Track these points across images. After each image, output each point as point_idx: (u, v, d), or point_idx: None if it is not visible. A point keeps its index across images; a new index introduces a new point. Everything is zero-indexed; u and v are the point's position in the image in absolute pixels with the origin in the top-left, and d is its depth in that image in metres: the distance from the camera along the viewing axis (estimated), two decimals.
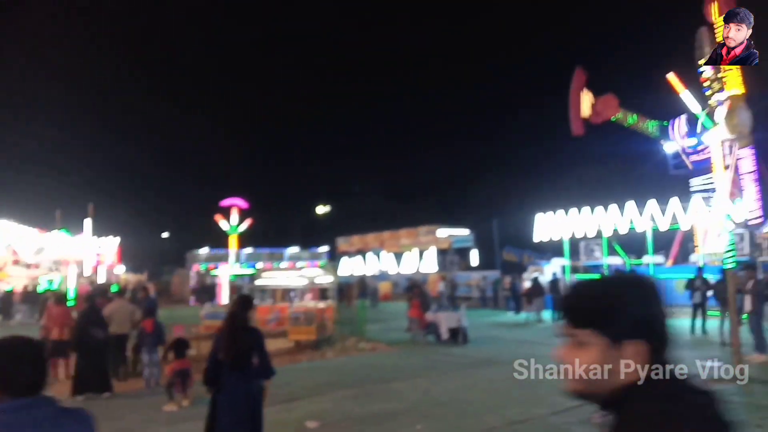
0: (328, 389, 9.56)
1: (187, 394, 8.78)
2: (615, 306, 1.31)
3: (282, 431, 7.27)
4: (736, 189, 25.38)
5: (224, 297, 20.32)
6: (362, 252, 42.74)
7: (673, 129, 24.42)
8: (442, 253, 38.55)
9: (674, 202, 20.68)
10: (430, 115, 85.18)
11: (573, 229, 23.75)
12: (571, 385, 1.35)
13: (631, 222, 21.67)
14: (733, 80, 26.40)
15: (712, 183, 20.55)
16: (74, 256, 30.77)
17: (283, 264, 23.04)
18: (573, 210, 23.73)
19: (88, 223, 33.05)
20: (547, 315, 20.56)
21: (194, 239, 36.12)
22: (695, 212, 20.24)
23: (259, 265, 22.27)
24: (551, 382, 9.18)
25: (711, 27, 27.39)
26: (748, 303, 11.56)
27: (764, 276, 15.63)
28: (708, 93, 22.76)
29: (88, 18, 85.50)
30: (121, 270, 40.62)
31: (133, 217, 55.16)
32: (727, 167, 25.98)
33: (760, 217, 26.13)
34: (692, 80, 25.79)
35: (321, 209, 56.22)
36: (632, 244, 23.67)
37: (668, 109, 24.44)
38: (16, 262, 30.84)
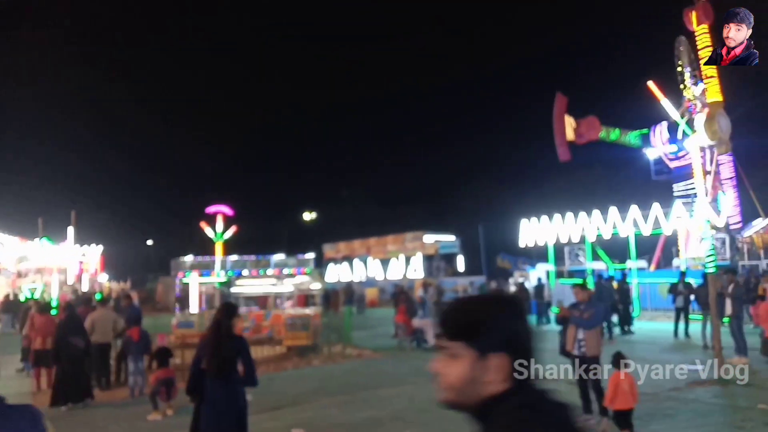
0: (313, 397, 9.52)
1: (171, 403, 8.70)
2: (484, 321, 1.41)
3: None
4: (716, 194, 25.79)
5: (194, 305, 20.04)
6: (349, 258, 42.68)
7: (654, 135, 24.77)
8: (428, 259, 38.63)
9: (656, 207, 20.93)
10: (417, 122, 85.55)
11: (557, 235, 23.94)
12: (443, 395, 1.42)
13: (615, 227, 21.90)
14: (714, 88, 26.92)
15: (693, 188, 20.82)
16: (57, 265, 30.36)
17: (270, 271, 22.91)
18: (557, 216, 23.93)
19: (70, 231, 32.64)
20: (531, 320, 20.65)
21: (179, 247, 35.93)
22: (677, 217, 20.50)
23: (245, 272, 22.17)
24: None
25: (690, 35, 27.95)
26: (728, 306, 11.73)
27: (743, 279, 15.90)
28: (687, 100, 23.15)
29: (70, 25, 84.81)
30: (104, 278, 40.17)
31: (117, 225, 54.71)
32: (707, 173, 26.46)
33: (739, 221, 26.61)
34: (673, 88, 26.23)
35: (307, 216, 56.13)
36: (616, 249, 23.91)
37: (652, 116, 24.81)
38: None
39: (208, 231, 23.09)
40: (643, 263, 24.16)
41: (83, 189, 57.23)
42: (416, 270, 37.15)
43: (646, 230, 21.23)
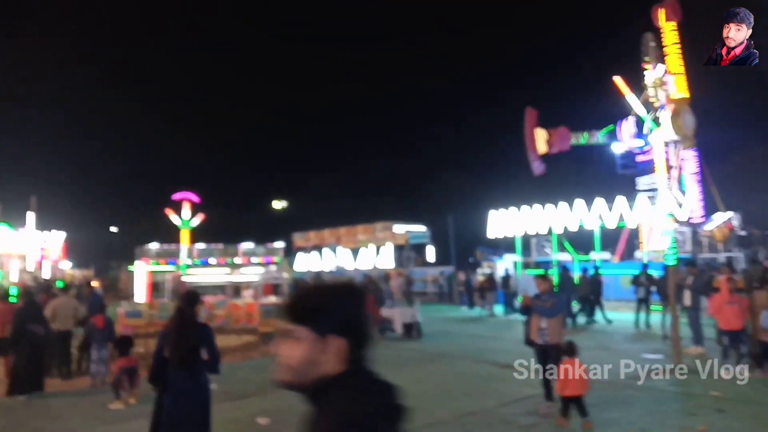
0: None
1: (134, 392, 8.59)
2: (325, 306, 1.52)
3: (232, 428, 7.21)
4: (679, 188, 26.44)
5: (141, 295, 19.69)
6: (319, 248, 42.49)
7: (621, 130, 25.25)
8: (398, 249, 38.73)
9: (621, 200, 21.38)
10: (387, 113, 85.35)
11: (525, 227, 24.30)
12: (282, 376, 1.50)
13: (581, 219, 22.31)
14: (680, 84, 27.55)
15: (655, 183, 21.31)
16: (17, 251, 29.54)
17: (238, 259, 22.65)
18: (525, 207, 24.27)
19: (31, 216, 31.75)
20: (499, 310, 20.97)
21: (144, 234, 35.20)
22: (641, 210, 20.99)
23: (212, 260, 21.88)
24: (500, 375, 9.42)
25: (658, 32, 28.50)
26: (687, 298, 12.07)
27: (703, 272, 16.36)
28: (652, 96, 23.55)
29: (32, 8, 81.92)
30: (66, 265, 39.21)
31: (80, 211, 53.24)
32: (671, 168, 27.12)
33: (702, 215, 27.38)
34: (639, 83, 26.72)
35: (277, 204, 55.67)
36: (581, 240, 24.38)
37: (619, 110, 25.26)
38: None
39: (174, 218, 22.68)
40: (607, 255, 24.70)
41: (44, 173, 55.50)
42: (386, 260, 37.23)
43: (611, 223, 21.69)
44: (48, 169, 57.94)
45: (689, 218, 24.70)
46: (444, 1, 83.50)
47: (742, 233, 24.37)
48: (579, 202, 22.44)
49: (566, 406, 6.80)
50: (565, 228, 23.01)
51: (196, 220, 22.52)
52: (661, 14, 28.35)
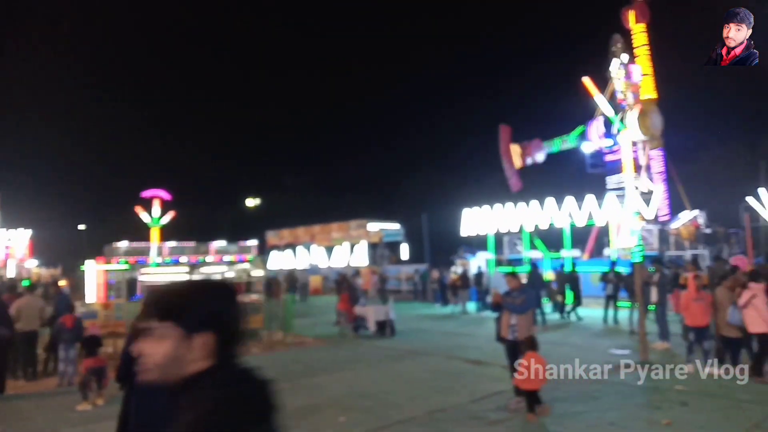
0: None
1: (102, 392, 8.45)
2: (189, 302, 1.51)
3: None
4: (647, 187, 27.04)
5: (93, 295, 19.28)
6: (293, 246, 42.28)
7: (590, 130, 25.73)
8: (372, 246, 38.75)
9: (590, 199, 21.74)
10: (362, 111, 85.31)
11: (497, 224, 24.55)
12: (147, 374, 1.50)
13: (551, 218, 22.64)
14: (647, 85, 28.17)
15: (623, 182, 21.80)
16: None
17: (210, 258, 22.39)
18: (498, 206, 24.52)
19: None
20: (471, 307, 21.16)
21: (113, 232, 34.55)
22: (609, 209, 21.38)
23: (183, 259, 21.58)
24: (471, 371, 9.52)
25: (627, 33, 29.06)
26: (654, 294, 12.37)
27: (668, 268, 16.76)
28: (620, 96, 24.04)
29: None
30: (32, 264, 38.30)
31: (47, 208, 51.94)
32: (638, 167, 27.76)
33: (668, 213, 28.06)
34: (609, 85, 27.21)
35: (251, 202, 55.16)
36: (552, 238, 24.74)
37: (589, 111, 25.74)
38: None
39: (144, 216, 22.32)
40: (577, 252, 25.11)
41: (10, 169, 54.04)
42: (360, 258, 37.23)
43: (581, 221, 22.05)
44: (12, 165, 56.45)
45: (656, 216, 25.29)
46: (418, 2, 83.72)
47: (708, 231, 25.03)
48: (550, 201, 22.77)
49: (535, 400, 6.94)
50: (536, 226, 23.33)
51: (167, 218, 22.21)
52: (630, 16, 29.00)
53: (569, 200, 22.21)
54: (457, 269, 23.92)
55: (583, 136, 24.44)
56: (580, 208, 21.86)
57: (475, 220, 25.37)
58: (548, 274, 21.29)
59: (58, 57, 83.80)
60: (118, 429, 5.07)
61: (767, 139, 39.79)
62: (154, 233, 22.51)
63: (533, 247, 25.14)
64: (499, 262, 25.57)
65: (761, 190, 22.65)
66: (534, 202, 23.26)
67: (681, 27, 46.55)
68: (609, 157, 26.44)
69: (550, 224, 22.79)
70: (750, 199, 22.97)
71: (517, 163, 24.32)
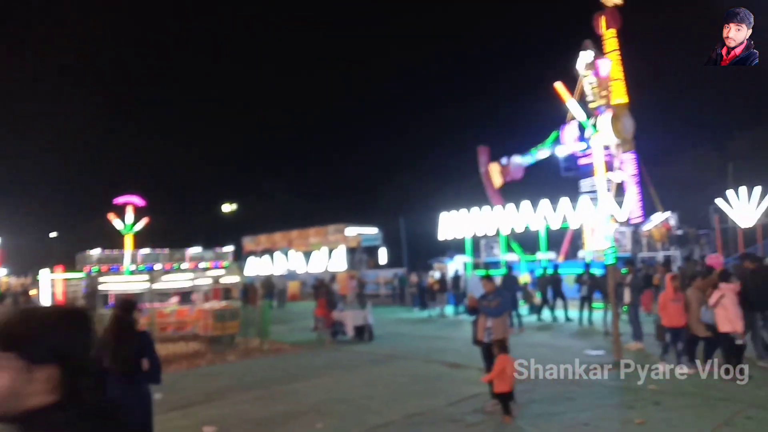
0: (227, 393, 9.33)
1: None
2: (34, 332, 1.42)
3: None
4: (619, 190, 27.50)
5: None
6: (270, 251, 41.95)
7: (564, 134, 26.11)
8: (351, 251, 38.68)
9: (564, 202, 22.02)
10: (339, 115, 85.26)
11: (474, 228, 24.72)
12: None
13: (527, 221, 22.87)
14: (618, 90, 28.70)
15: (596, 186, 22.07)
16: None
17: (185, 265, 22.12)
18: (475, 209, 24.70)
19: None
20: (449, 310, 21.25)
21: (86, 240, 33.95)
22: (583, 212, 21.67)
23: (158, 266, 21.29)
24: (449, 374, 9.54)
25: (599, 39, 29.58)
26: (627, 295, 12.55)
27: (641, 269, 17.05)
28: (592, 101, 24.42)
29: None
30: (2, 273, 37.42)
31: (17, 215, 50.81)
32: (611, 170, 28.24)
33: (640, 216, 28.56)
34: (581, 89, 27.66)
35: (227, 207, 54.63)
36: (528, 241, 25.00)
37: (562, 116, 26.11)
38: None
39: (117, 223, 21.96)
40: (552, 255, 25.40)
41: None
42: (338, 262, 37.13)
43: (555, 224, 22.31)
44: None
45: (628, 218, 25.73)
46: (396, 7, 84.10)
47: (679, 232, 25.53)
48: (525, 204, 23.00)
49: (506, 402, 7.02)
50: (512, 229, 23.55)
51: (140, 225, 21.90)
52: (602, 22, 29.54)
53: (544, 203, 22.48)
54: (435, 273, 24.00)
55: (558, 140, 24.82)
56: (554, 211, 22.13)
57: (453, 223, 25.51)
58: (524, 277, 21.50)
59: (26, 60, 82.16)
60: None
61: (736, 142, 40.91)
62: (128, 240, 22.18)
63: (510, 250, 25.37)
64: (476, 265, 25.74)
65: (730, 193, 23.22)
66: (510, 206, 23.49)
67: (652, 32, 47.56)
68: (582, 161, 26.87)
69: (526, 227, 23.03)
70: (719, 201, 23.53)
71: (497, 182, 24.64)
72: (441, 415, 7.51)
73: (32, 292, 20.38)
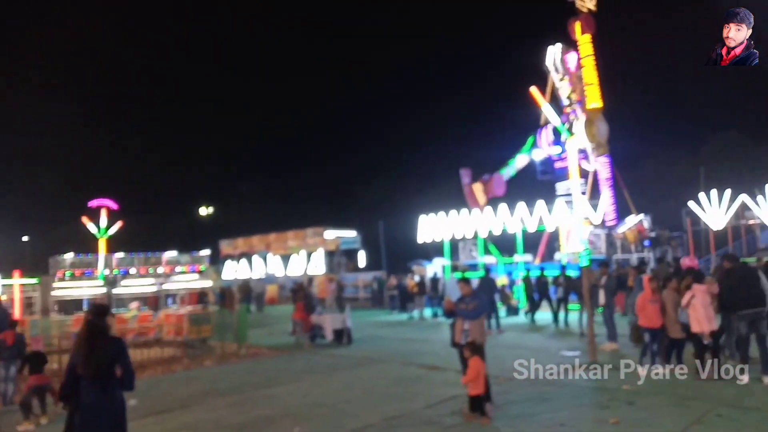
0: (203, 398, 9.24)
1: (45, 411, 8.11)
2: None
3: None
4: (593, 192, 27.92)
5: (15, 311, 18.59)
6: (247, 255, 41.62)
7: (540, 138, 26.44)
8: (329, 254, 38.58)
9: (541, 205, 22.26)
10: (317, 118, 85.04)
11: (453, 231, 24.85)
12: None
13: (504, 223, 23.07)
14: (593, 94, 29.14)
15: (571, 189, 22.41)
16: None
17: (160, 269, 21.82)
18: (453, 212, 24.83)
19: None
20: (428, 313, 21.31)
21: (58, 243, 33.27)
22: (559, 214, 21.93)
23: (132, 270, 20.98)
24: (427, 377, 9.58)
25: (574, 44, 29.98)
26: (601, 297, 12.73)
27: (614, 271, 17.33)
28: (566, 106, 24.75)
29: None
30: None
31: None
32: (585, 174, 28.67)
33: (614, 218, 29.02)
34: (556, 94, 28.01)
35: (204, 210, 54.08)
36: (505, 243, 25.22)
37: (537, 120, 26.42)
38: None
39: (91, 226, 21.60)
40: (529, 257, 25.66)
41: None
42: (317, 266, 36.99)
43: (532, 227, 22.55)
44: None
45: (603, 221, 26.12)
46: (376, 11, 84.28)
47: (652, 234, 26.00)
48: (502, 207, 23.21)
49: (479, 404, 7.10)
50: (490, 232, 23.73)
51: (114, 228, 21.56)
52: (576, 27, 29.98)
53: (521, 206, 22.69)
54: (414, 277, 24.07)
55: (535, 145, 25.15)
56: (531, 214, 22.36)
57: (431, 226, 25.62)
58: (502, 279, 21.66)
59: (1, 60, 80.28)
60: None
61: (707, 145, 41.86)
62: (102, 244, 21.81)
63: (487, 252, 25.55)
64: (455, 268, 25.88)
65: (701, 196, 23.72)
66: (488, 209, 23.67)
67: (627, 37, 48.36)
68: (558, 165, 27.23)
69: (503, 230, 23.23)
70: (691, 204, 24.02)
71: (481, 200, 24.92)
72: (419, 418, 7.53)
73: (2, 297, 19.90)
